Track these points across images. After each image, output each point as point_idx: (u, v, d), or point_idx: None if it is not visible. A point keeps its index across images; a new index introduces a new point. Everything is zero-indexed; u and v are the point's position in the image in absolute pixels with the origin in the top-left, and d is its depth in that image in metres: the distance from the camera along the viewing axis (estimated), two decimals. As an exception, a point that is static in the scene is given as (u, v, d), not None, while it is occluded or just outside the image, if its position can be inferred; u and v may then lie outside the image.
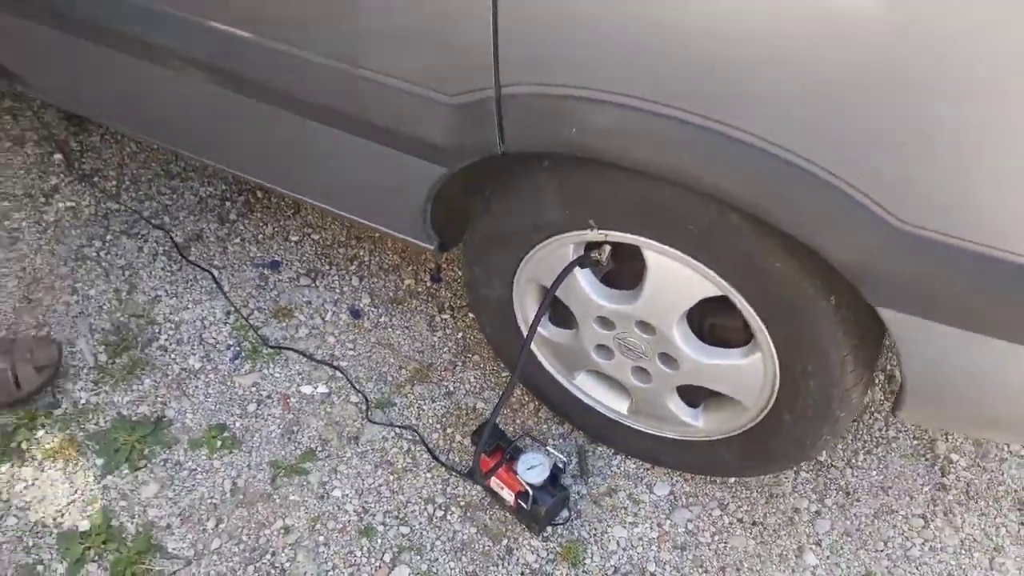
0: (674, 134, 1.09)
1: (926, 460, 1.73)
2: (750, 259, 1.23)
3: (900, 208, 1.02)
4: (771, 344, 1.31)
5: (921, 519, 1.64)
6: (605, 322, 1.47)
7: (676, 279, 1.32)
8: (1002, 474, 1.71)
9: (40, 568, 1.54)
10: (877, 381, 1.85)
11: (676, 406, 1.53)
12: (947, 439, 1.76)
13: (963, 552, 1.60)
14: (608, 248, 1.38)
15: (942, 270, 1.05)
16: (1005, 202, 0.98)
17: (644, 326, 1.42)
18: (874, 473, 1.70)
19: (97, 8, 1.55)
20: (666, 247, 1.29)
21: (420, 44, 1.22)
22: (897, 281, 1.09)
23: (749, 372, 1.37)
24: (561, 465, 1.60)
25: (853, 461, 1.72)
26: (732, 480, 1.68)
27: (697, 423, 1.54)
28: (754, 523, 1.63)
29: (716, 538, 1.60)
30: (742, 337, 1.38)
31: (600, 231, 1.34)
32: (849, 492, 1.67)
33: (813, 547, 1.60)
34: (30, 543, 1.57)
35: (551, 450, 1.64)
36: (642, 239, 1.31)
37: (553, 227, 1.39)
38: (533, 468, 1.54)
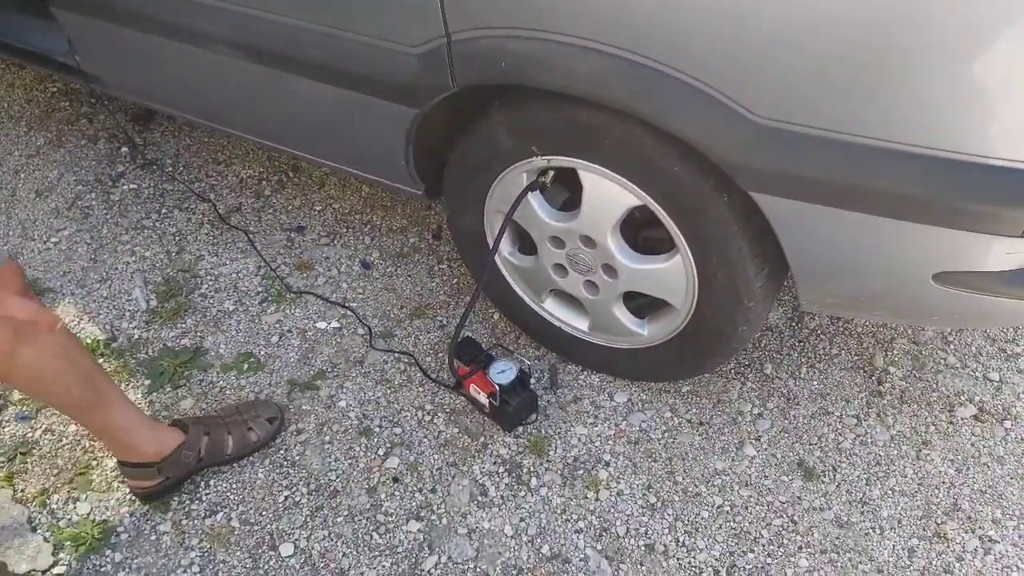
0: (577, 57, 1.36)
1: (864, 372, 1.90)
2: (656, 167, 1.47)
3: (755, 104, 1.26)
4: (685, 244, 1.54)
5: (855, 419, 1.81)
6: (557, 241, 1.72)
7: (605, 193, 1.57)
8: (936, 383, 1.88)
9: (94, 463, 1.85)
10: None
11: (624, 315, 1.76)
12: (886, 354, 1.93)
13: (892, 445, 1.76)
14: (552, 173, 1.65)
15: (795, 153, 1.27)
16: (842, 91, 1.20)
17: (587, 240, 1.66)
18: (815, 383, 1.89)
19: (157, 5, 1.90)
20: (593, 165, 1.54)
21: (392, 11, 1.52)
22: (760, 167, 1.31)
23: (673, 273, 1.60)
24: (527, 369, 1.84)
25: (796, 374, 1.91)
26: (685, 389, 1.89)
27: (643, 331, 1.76)
28: (701, 423, 1.83)
29: (666, 435, 1.81)
30: (669, 247, 1.62)
31: (543, 157, 1.61)
32: (790, 398, 1.86)
33: (753, 442, 1.79)
34: (87, 444, 1.89)
35: (519, 357, 1.89)
36: (575, 160, 1.57)
37: (507, 158, 1.66)
38: (503, 372, 1.79)
